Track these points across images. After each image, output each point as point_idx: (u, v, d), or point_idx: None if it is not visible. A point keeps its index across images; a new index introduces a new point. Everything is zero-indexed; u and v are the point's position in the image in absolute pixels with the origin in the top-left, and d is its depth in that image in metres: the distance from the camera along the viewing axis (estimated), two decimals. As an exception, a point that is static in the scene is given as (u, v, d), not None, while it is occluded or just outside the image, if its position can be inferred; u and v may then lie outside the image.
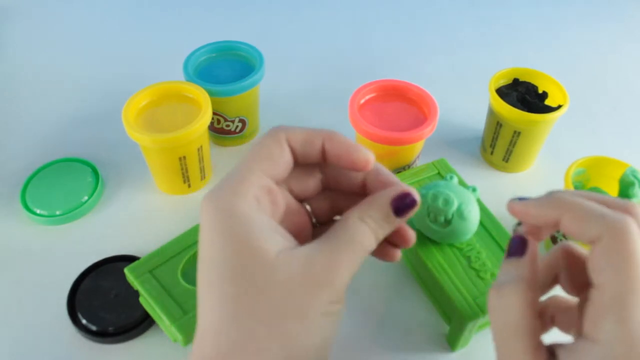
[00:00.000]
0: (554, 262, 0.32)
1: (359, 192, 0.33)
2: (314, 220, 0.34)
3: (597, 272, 0.26)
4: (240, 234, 0.27)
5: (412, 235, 0.33)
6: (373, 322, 0.47)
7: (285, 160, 0.30)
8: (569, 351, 0.27)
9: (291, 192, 0.33)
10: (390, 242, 0.33)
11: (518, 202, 0.30)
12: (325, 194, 0.34)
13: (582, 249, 0.31)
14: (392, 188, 0.31)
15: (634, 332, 0.24)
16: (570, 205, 0.27)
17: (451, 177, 0.46)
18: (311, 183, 0.33)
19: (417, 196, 0.31)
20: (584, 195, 0.29)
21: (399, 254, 0.33)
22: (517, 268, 0.29)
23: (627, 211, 0.27)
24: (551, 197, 0.29)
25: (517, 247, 0.30)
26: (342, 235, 0.28)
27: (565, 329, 0.32)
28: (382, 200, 0.30)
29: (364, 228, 0.29)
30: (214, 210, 0.27)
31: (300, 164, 0.32)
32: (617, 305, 0.25)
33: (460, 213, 0.42)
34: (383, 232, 0.30)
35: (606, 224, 0.26)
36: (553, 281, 0.32)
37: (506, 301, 0.28)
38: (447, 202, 0.43)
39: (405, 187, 0.31)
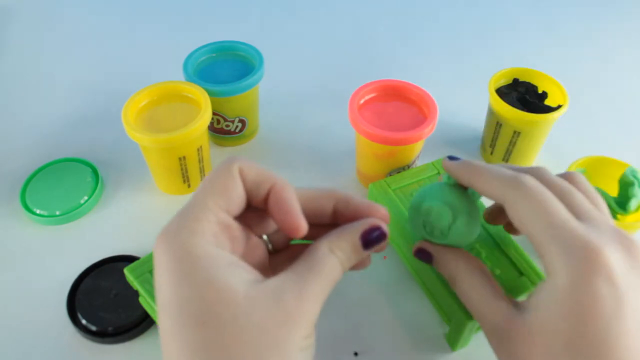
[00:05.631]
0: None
1: (327, 223, 0.33)
2: (270, 247, 0.33)
3: (519, 223, 0.33)
4: (203, 275, 0.25)
5: (368, 262, 0.33)
6: (372, 322, 0.47)
7: (238, 194, 0.29)
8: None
9: (249, 228, 0.32)
10: None
11: (448, 160, 0.38)
12: None
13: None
14: (363, 221, 0.31)
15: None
16: (480, 170, 0.35)
17: (449, 177, 0.46)
18: (270, 221, 0.32)
19: (386, 229, 0.31)
20: (496, 165, 0.36)
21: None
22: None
23: (527, 172, 0.34)
24: (469, 163, 0.36)
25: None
26: (312, 267, 0.28)
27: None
28: (352, 234, 0.30)
29: (333, 260, 0.29)
30: (172, 251, 0.26)
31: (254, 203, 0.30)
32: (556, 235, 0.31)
33: (456, 227, 0.39)
34: (350, 263, 0.30)
35: (505, 184, 0.33)
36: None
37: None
38: (440, 216, 0.39)
39: (374, 221, 0.31)
